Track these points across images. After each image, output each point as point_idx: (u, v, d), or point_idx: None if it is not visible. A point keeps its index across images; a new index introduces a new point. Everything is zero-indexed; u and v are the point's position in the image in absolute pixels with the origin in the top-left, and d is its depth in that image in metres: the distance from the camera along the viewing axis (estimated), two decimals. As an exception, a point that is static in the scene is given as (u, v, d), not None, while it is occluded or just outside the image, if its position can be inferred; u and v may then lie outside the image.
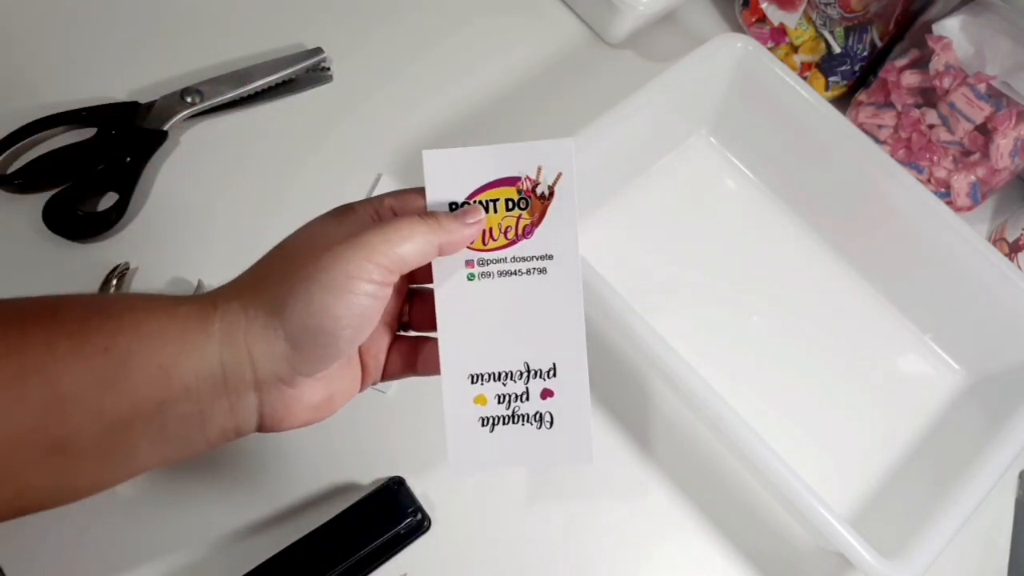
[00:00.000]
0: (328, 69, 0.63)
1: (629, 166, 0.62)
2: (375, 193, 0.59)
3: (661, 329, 0.50)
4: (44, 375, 0.30)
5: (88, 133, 0.57)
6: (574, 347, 0.37)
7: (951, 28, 0.61)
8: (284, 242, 0.36)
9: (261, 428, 0.35)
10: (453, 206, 0.36)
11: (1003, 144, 0.61)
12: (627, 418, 0.56)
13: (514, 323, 0.37)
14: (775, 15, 0.68)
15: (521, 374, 0.37)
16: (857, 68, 0.68)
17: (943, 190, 0.66)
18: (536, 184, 0.36)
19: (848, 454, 0.57)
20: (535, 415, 0.37)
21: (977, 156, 0.63)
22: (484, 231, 0.36)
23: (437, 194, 0.36)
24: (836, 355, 0.60)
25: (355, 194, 0.59)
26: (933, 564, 0.47)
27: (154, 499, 0.49)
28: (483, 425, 0.37)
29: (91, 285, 0.53)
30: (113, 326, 0.32)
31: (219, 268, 0.55)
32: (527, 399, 0.37)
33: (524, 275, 0.37)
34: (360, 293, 0.33)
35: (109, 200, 0.56)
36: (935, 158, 0.65)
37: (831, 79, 0.69)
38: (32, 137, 0.56)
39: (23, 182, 0.55)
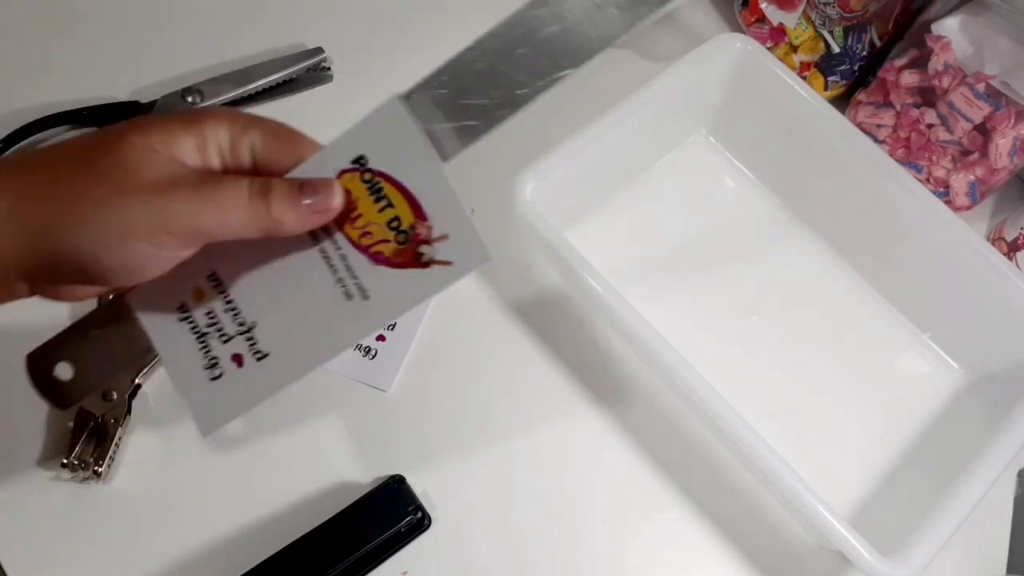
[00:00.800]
0: (328, 69, 0.63)
1: (628, 165, 0.63)
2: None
3: (660, 328, 0.50)
4: None
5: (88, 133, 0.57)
6: (298, 367, 0.33)
7: (950, 28, 0.61)
8: (102, 140, 0.31)
9: (40, 296, 0.33)
10: (359, 162, 0.32)
11: (1002, 144, 0.61)
12: (625, 417, 0.56)
13: (284, 294, 0.33)
14: (774, 15, 0.68)
15: (243, 324, 0.34)
16: (856, 68, 0.68)
17: (942, 189, 0.66)
18: (427, 242, 0.31)
19: (847, 453, 0.57)
20: (213, 358, 0.34)
21: (976, 155, 0.63)
22: (354, 211, 0.32)
23: (356, 142, 0.32)
24: (835, 354, 0.60)
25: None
26: (932, 563, 0.47)
27: (154, 498, 0.50)
28: (180, 309, 0.34)
29: (92, 284, 0.53)
30: None
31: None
32: (224, 343, 0.34)
33: (333, 279, 0.32)
34: (140, 255, 0.30)
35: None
36: (934, 157, 0.65)
37: (830, 79, 0.69)
38: (34, 137, 0.56)
39: (24, 181, 0.55)
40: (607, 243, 0.58)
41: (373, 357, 0.55)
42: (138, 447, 0.51)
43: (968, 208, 0.66)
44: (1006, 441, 0.51)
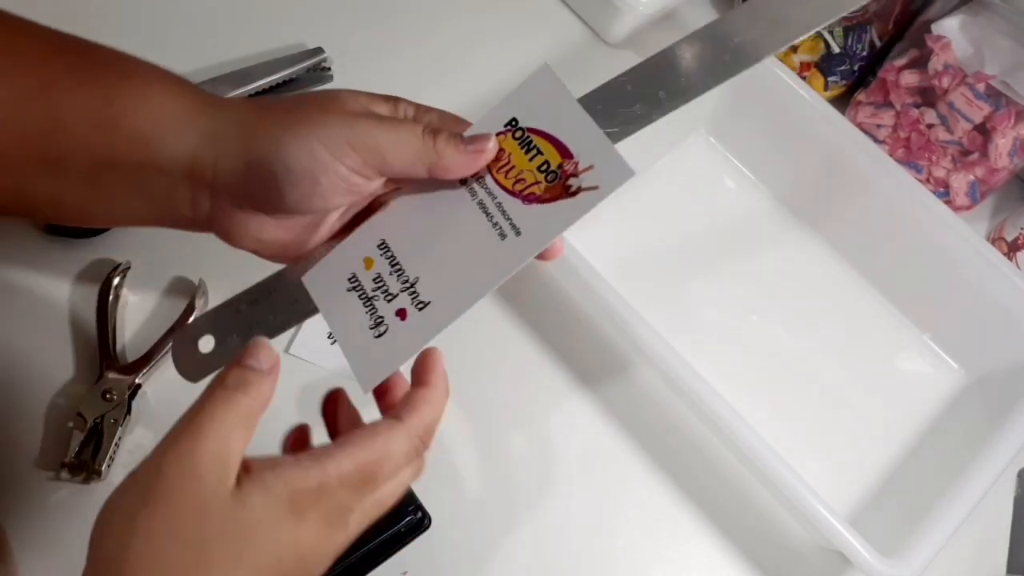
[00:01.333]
0: (329, 69, 0.63)
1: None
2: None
3: (660, 328, 0.50)
4: (51, 100, 0.34)
5: (89, 133, 0.57)
6: (456, 307, 0.36)
7: (950, 28, 0.61)
8: (317, 92, 0.36)
9: (211, 231, 0.36)
10: (510, 124, 0.36)
11: (1002, 143, 0.61)
12: (625, 417, 0.56)
13: (443, 246, 0.36)
14: (774, 15, 0.68)
15: (407, 281, 0.36)
16: (856, 68, 0.68)
17: (942, 189, 0.66)
18: (575, 175, 0.35)
19: (847, 453, 0.57)
20: (378, 317, 0.36)
21: (976, 155, 0.63)
22: (507, 164, 0.36)
23: (512, 106, 0.36)
24: (835, 354, 0.60)
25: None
26: (932, 562, 0.47)
27: (155, 498, 0.49)
28: (350, 280, 0.37)
29: (92, 284, 0.53)
30: (126, 87, 0.35)
31: (219, 267, 0.55)
32: (389, 301, 0.36)
33: (490, 224, 0.36)
34: (322, 165, 0.33)
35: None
36: (934, 157, 0.65)
37: (830, 79, 0.69)
38: (33, 137, 0.56)
39: (24, 181, 0.55)
40: (606, 242, 0.58)
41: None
42: (138, 447, 0.51)
43: (968, 208, 0.66)
44: (1006, 441, 0.51)
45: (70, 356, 0.52)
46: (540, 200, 0.35)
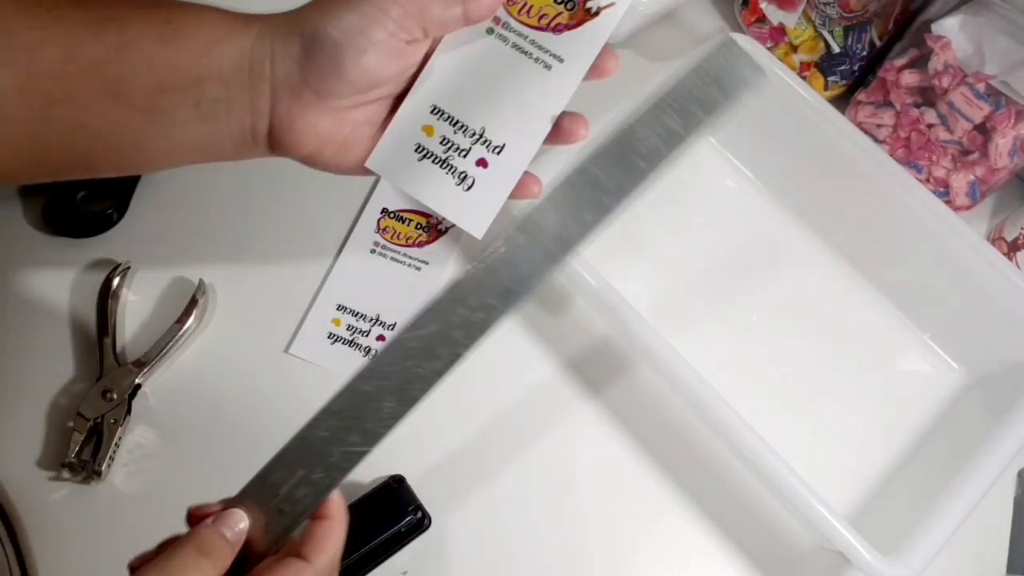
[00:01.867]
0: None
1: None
2: (376, 192, 0.59)
3: (659, 328, 0.50)
4: (119, 22, 0.36)
5: (89, 132, 0.57)
6: (531, 140, 0.39)
7: (950, 27, 0.61)
8: None
9: (272, 134, 0.38)
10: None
11: (1002, 143, 0.61)
12: (625, 416, 0.56)
13: (496, 92, 0.39)
14: (774, 15, 0.68)
15: (474, 134, 0.39)
16: (856, 67, 0.68)
17: (942, 189, 0.66)
18: None
19: (847, 453, 0.57)
20: (461, 172, 0.39)
21: (976, 155, 0.63)
22: (525, 5, 0.39)
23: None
24: (835, 354, 0.60)
25: (355, 191, 0.59)
26: (932, 562, 0.47)
27: (154, 498, 0.50)
28: (416, 151, 0.39)
29: (92, 284, 0.53)
30: (182, 6, 0.37)
31: (220, 267, 0.55)
32: (464, 156, 0.39)
33: (531, 60, 0.39)
34: (369, 18, 0.35)
35: (110, 199, 0.56)
36: (934, 157, 0.65)
37: (830, 78, 0.69)
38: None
39: (24, 181, 0.55)
40: (606, 243, 0.58)
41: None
42: (138, 447, 0.51)
43: (968, 208, 0.66)
44: (1006, 441, 0.51)
45: (70, 356, 0.52)
46: (568, 27, 0.39)
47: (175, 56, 0.36)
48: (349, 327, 0.55)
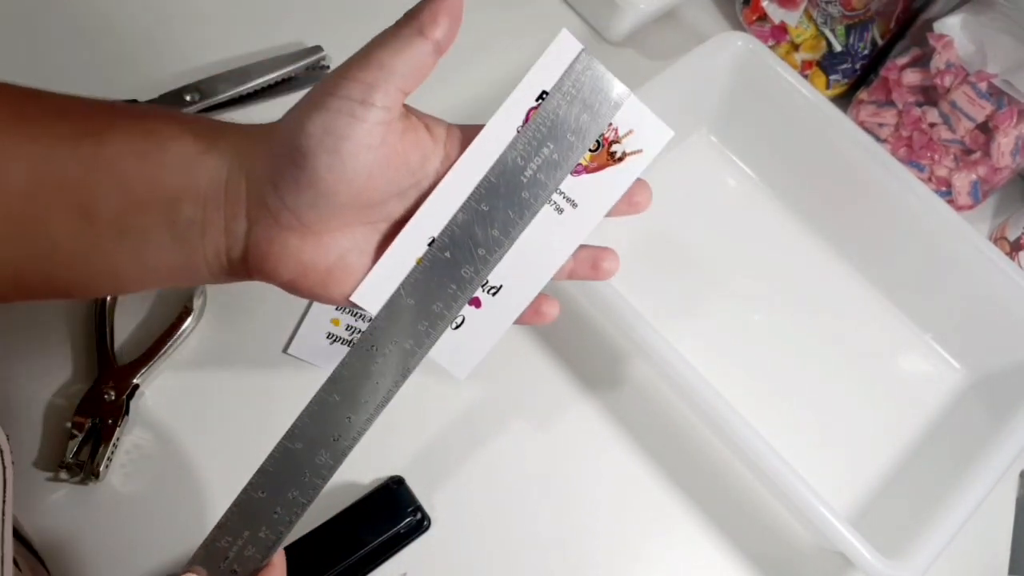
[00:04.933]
0: (328, 67, 0.63)
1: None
2: None
3: (661, 327, 0.50)
4: (98, 137, 0.33)
5: (87, 131, 0.57)
6: (531, 285, 0.37)
7: (952, 26, 0.61)
8: None
9: (248, 260, 0.34)
10: (543, 97, 0.35)
11: (1004, 143, 0.61)
12: (625, 416, 0.56)
13: None
14: (776, 13, 0.68)
15: None
16: (858, 66, 0.68)
17: (944, 189, 0.66)
18: (617, 141, 0.36)
19: (849, 453, 0.57)
20: None
21: (978, 155, 0.63)
22: None
23: (540, 79, 0.35)
24: (837, 354, 0.60)
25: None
26: (934, 563, 0.47)
27: (153, 499, 0.49)
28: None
29: (90, 284, 0.53)
30: (164, 121, 0.34)
31: (218, 267, 0.55)
32: None
33: (548, 203, 0.36)
34: (331, 109, 0.31)
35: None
36: (936, 157, 0.64)
37: (832, 77, 0.68)
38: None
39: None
40: (606, 243, 0.58)
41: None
42: (136, 448, 0.50)
43: (970, 207, 0.66)
44: (1008, 442, 0.51)
45: (68, 357, 0.52)
46: (588, 171, 0.36)
47: (152, 173, 0.33)
48: (348, 327, 0.54)
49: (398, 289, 0.35)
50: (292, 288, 0.35)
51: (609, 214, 0.37)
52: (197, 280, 0.36)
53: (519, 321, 0.38)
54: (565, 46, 0.34)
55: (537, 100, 0.35)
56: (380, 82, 0.32)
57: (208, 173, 0.33)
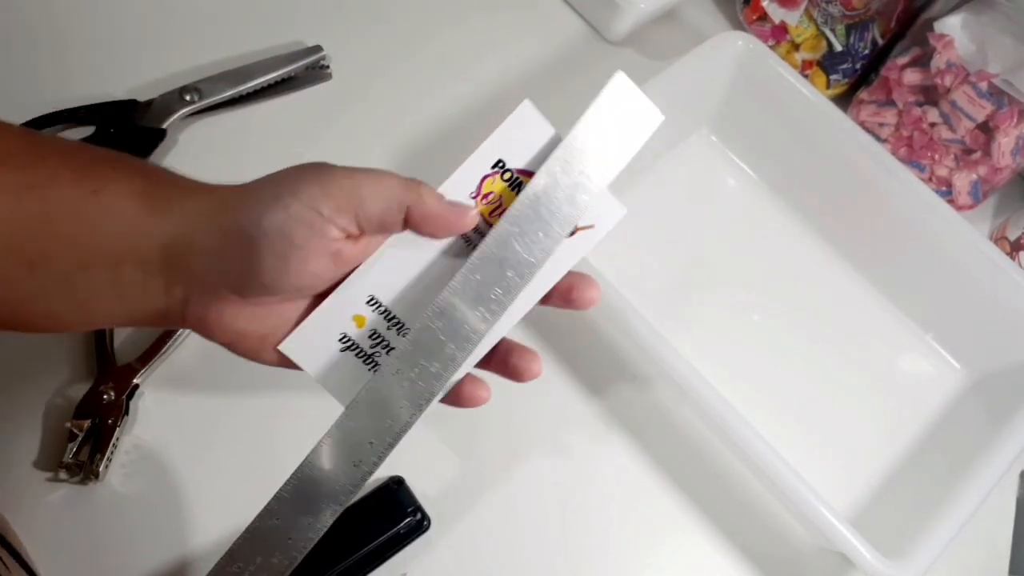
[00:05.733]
0: (327, 67, 0.63)
1: (629, 164, 0.62)
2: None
3: (661, 327, 0.50)
4: (41, 191, 0.33)
5: (86, 131, 0.57)
6: (472, 353, 0.36)
7: (953, 26, 0.61)
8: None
9: (186, 321, 0.35)
10: (498, 165, 0.34)
11: (1005, 142, 0.61)
12: (626, 417, 0.56)
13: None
14: (776, 13, 0.68)
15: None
16: (858, 66, 0.68)
17: (944, 188, 0.65)
18: None
19: (849, 453, 0.57)
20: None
21: (979, 154, 0.63)
22: (500, 208, 0.35)
23: (497, 147, 0.34)
24: (837, 354, 0.60)
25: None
26: (934, 564, 0.47)
27: (152, 499, 0.49)
28: (341, 340, 0.36)
29: (90, 284, 0.53)
30: (112, 177, 0.34)
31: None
32: (390, 353, 0.36)
33: None
34: (295, 218, 0.32)
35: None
36: (936, 156, 0.64)
37: (832, 77, 0.68)
38: (30, 135, 0.56)
39: (21, 180, 0.55)
40: (607, 242, 0.58)
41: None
42: (136, 448, 0.50)
43: (971, 207, 0.66)
44: (1009, 442, 0.51)
45: (68, 357, 0.52)
46: None
47: (94, 236, 0.33)
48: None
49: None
50: (231, 348, 0.36)
51: (553, 303, 0.37)
52: (144, 326, 0.36)
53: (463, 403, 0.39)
54: (526, 116, 0.34)
55: (493, 168, 0.35)
56: (351, 211, 0.32)
57: (150, 240, 0.33)
